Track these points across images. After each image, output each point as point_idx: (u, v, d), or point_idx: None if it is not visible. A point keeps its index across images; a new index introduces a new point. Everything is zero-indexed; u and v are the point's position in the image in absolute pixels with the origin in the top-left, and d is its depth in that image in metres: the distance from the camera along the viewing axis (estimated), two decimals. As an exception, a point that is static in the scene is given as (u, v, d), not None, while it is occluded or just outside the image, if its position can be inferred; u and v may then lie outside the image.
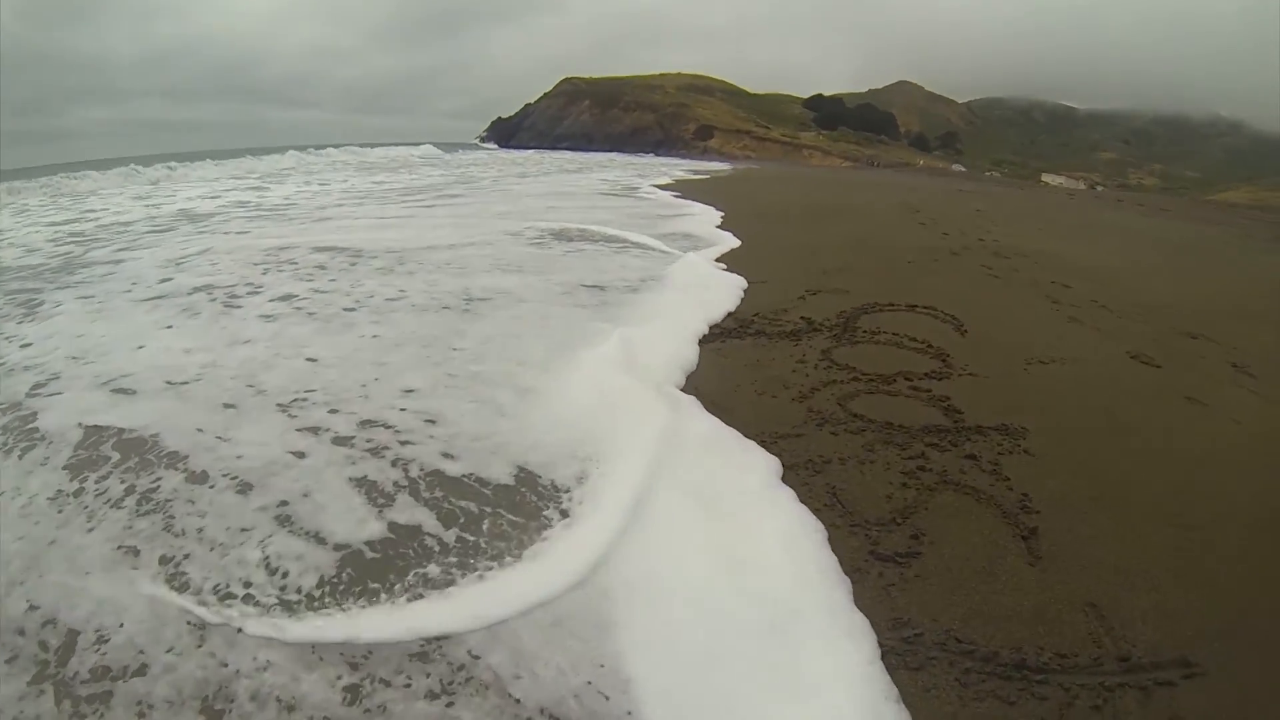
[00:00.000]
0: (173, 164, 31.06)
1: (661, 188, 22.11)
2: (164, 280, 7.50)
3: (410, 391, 4.30)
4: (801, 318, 6.04)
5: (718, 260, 8.59)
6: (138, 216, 13.87)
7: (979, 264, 8.92)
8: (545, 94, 74.28)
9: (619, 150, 57.26)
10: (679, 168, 37.19)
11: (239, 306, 6.34)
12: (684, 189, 21.42)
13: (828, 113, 75.56)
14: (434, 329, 5.58)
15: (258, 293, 6.78)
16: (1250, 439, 4.24)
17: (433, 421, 3.90)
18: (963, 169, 60.97)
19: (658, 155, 53.44)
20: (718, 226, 11.85)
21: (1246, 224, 24.18)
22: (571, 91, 73.08)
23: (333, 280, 7.18)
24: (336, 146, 50.55)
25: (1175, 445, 4.05)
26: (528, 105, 76.26)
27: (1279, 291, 9.64)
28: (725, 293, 6.83)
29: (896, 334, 5.74)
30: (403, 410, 4.04)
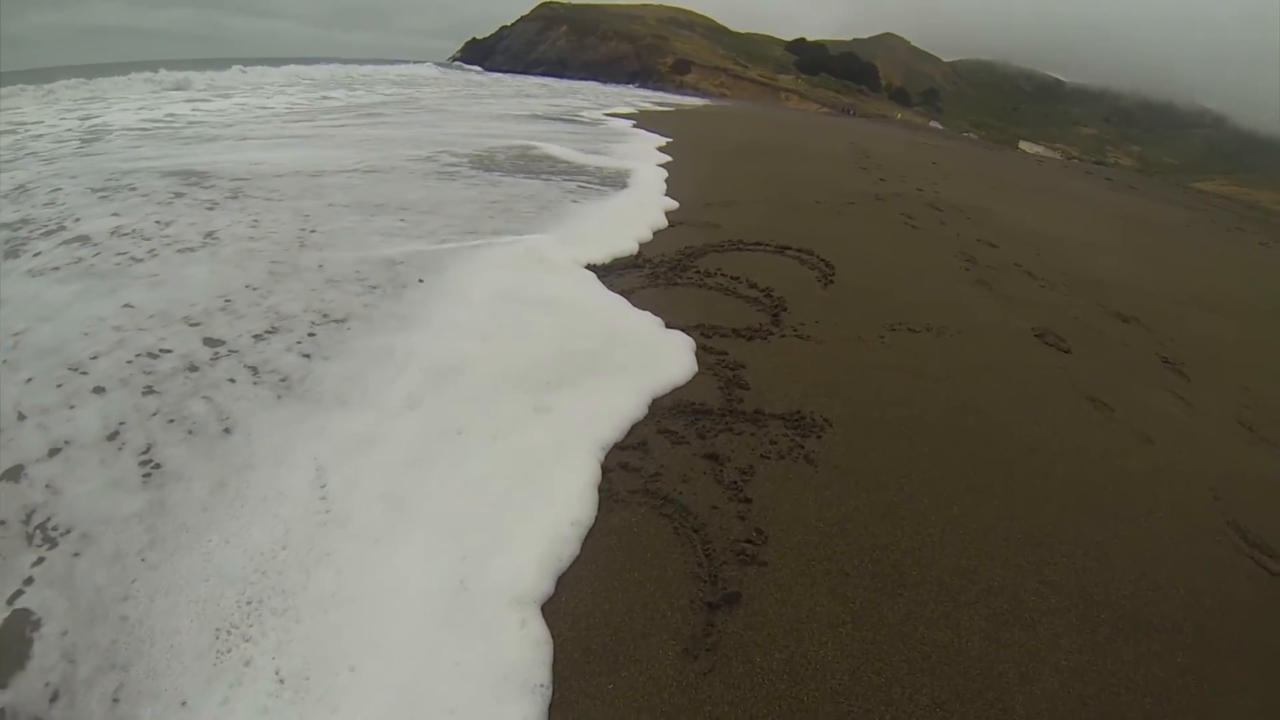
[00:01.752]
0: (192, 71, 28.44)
1: (620, 116, 21.03)
2: None
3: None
4: (635, 254, 5.56)
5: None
6: (46, 132, 12.37)
7: (900, 212, 8.34)
8: (522, 17, 69.81)
9: (594, 79, 54.25)
10: (649, 100, 35.13)
11: (22, 253, 5.29)
12: (644, 119, 20.35)
13: (809, 58, 72.75)
14: (204, 298, 4.36)
15: (58, 232, 5.72)
16: (1155, 471, 3.31)
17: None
18: (940, 126, 59.72)
19: (633, 86, 50.62)
20: (659, 149, 12.30)
21: (1214, 211, 23.40)
22: (549, 16, 68.79)
23: (148, 214, 6.16)
24: (327, 62, 46.74)
25: (1047, 471, 3.19)
26: (503, 28, 71.77)
27: (1241, 281, 8.72)
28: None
29: (737, 278, 5.17)
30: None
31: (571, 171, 9.21)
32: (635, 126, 17.15)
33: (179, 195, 6.77)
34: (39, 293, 4.53)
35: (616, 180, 8.85)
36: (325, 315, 4.13)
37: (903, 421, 3.45)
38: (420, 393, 3.36)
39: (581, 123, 17.34)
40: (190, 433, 3.06)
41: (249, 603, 2.25)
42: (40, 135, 11.64)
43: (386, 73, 42.20)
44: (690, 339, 4.10)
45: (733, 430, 3.26)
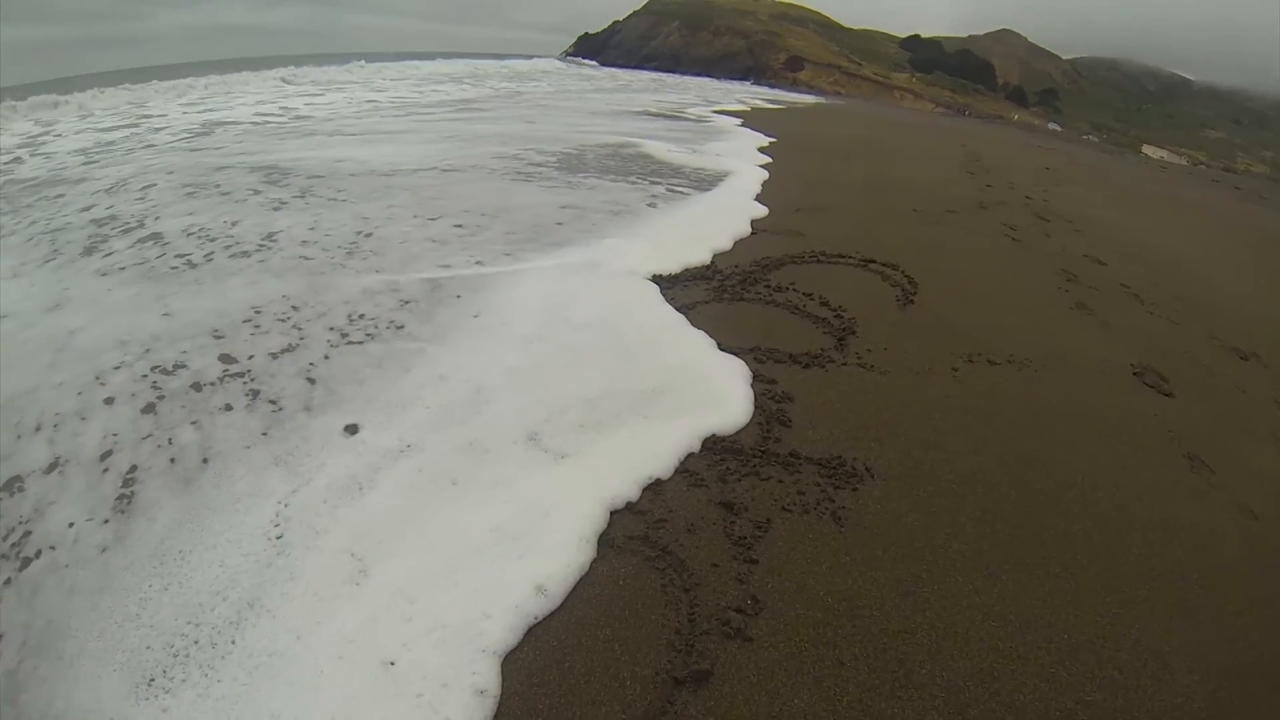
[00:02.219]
0: (290, 67, 30.59)
1: (729, 113, 20.29)
2: (86, 208, 6.94)
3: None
4: (708, 264, 5.25)
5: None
6: (166, 126, 13.42)
7: (1002, 223, 7.66)
8: (634, 12, 70.12)
9: (707, 75, 53.44)
10: (760, 97, 34.03)
11: (98, 251, 5.53)
12: (752, 117, 19.63)
13: (924, 56, 68.88)
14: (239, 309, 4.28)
15: (135, 230, 5.97)
16: (1253, 559, 2.75)
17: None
18: (1058, 128, 55.45)
19: (746, 83, 49.48)
20: (761, 149, 11.89)
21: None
22: (661, 11, 68.60)
23: (221, 214, 6.34)
24: (446, 57, 48.94)
25: (1117, 550, 2.68)
26: (615, 22, 72.35)
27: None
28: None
29: (809, 294, 4.77)
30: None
31: (662, 172, 8.81)
32: (742, 125, 16.47)
33: (255, 193, 6.97)
34: (99, 295, 4.69)
35: (707, 182, 8.39)
36: (345, 336, 3.92)
37: (956, 475, 2.96)
38: (421, 433, 3.04)
39: (686, 120, 16.85)
40: (172, 461, 2.93)
41: (175, 655, 2.09)
42: (160, 129, 12.69)
43: (504, 67, 43.27)
44: (744, 368, 3.69)
45: (759, 475, 2.90)
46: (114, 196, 7.19)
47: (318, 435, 3.00)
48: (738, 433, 3.14)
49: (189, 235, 5.67)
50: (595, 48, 71.10)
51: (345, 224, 5.88)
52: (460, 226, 5.89)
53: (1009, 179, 11.64)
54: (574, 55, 72.98)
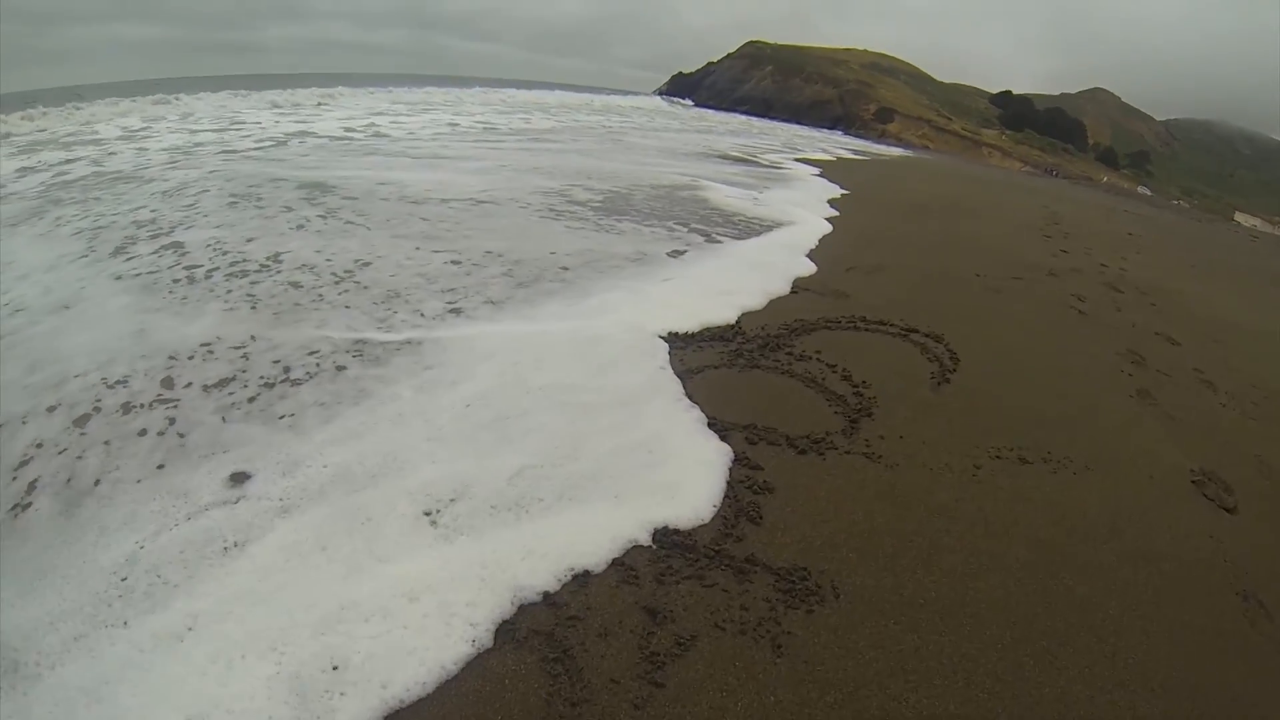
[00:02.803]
0: (389, 87, 32.19)
1: (808, 162, 20.00)
2: (137, 208, 7.30)
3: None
4: (733, 323, 4.91)
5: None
6: (254, 133, 14.24)
7: (1071, 292, 7.11)
8: (728, 54, 71.32)
9: (797, 121, 53.34)
10: (846, 147, 33.60)
11: (124, 254, 5.81)
12: (832, 168, 19.21)
13: (1014, 112, 66.90)
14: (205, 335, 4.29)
15: (163, 236, 6.24)
16: None
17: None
18: (1148, 192, 52.72)
19: (835, 132, 49.08)
20: (832, 200, 11.56)
21: None
22: (755, 55, 69.45)
23: (247, 229, 6.51)
24: (547, 87, 50.79)
25: None
26: (710, 64, 73.73)
27: None
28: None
29: (833, 365, 4.37)
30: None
31: (710, 219, 8.49)
32: (819, 175, 16.08)
33: (288, 209, 7.14)
34: (103, 300, 4.83)
35: (756, 233, 8.03)
36: (286, 375, 3.76)
37: (941, 606, 2.47)
38: (308, 493, 2.80)
39: (759, 165, 16.63)
40: (69, 481, 2.88)
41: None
42: (246, 136, 13.52)
43: (597, 100, 44.30)
44: (727, 450, 3.28)
45: (703, 579, 2.50)
46: (166, 200, 7.55)
47: (204, 479, 2.84)
48: (696, 527, 2.74)
49: (206, 247, 5.80)
50: (689, 87, 72.58)
51: (350, 250, 5.86)
52: (457, 263, 5.74)
53: (1086, 244, 10.93)
54: (668, 93, 74.55)
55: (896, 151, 39.72)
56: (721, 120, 43.30)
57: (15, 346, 4.12)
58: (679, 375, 3.98)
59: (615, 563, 2.52)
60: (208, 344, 4.05)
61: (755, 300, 5.41)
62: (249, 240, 6.01)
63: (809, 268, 6.57)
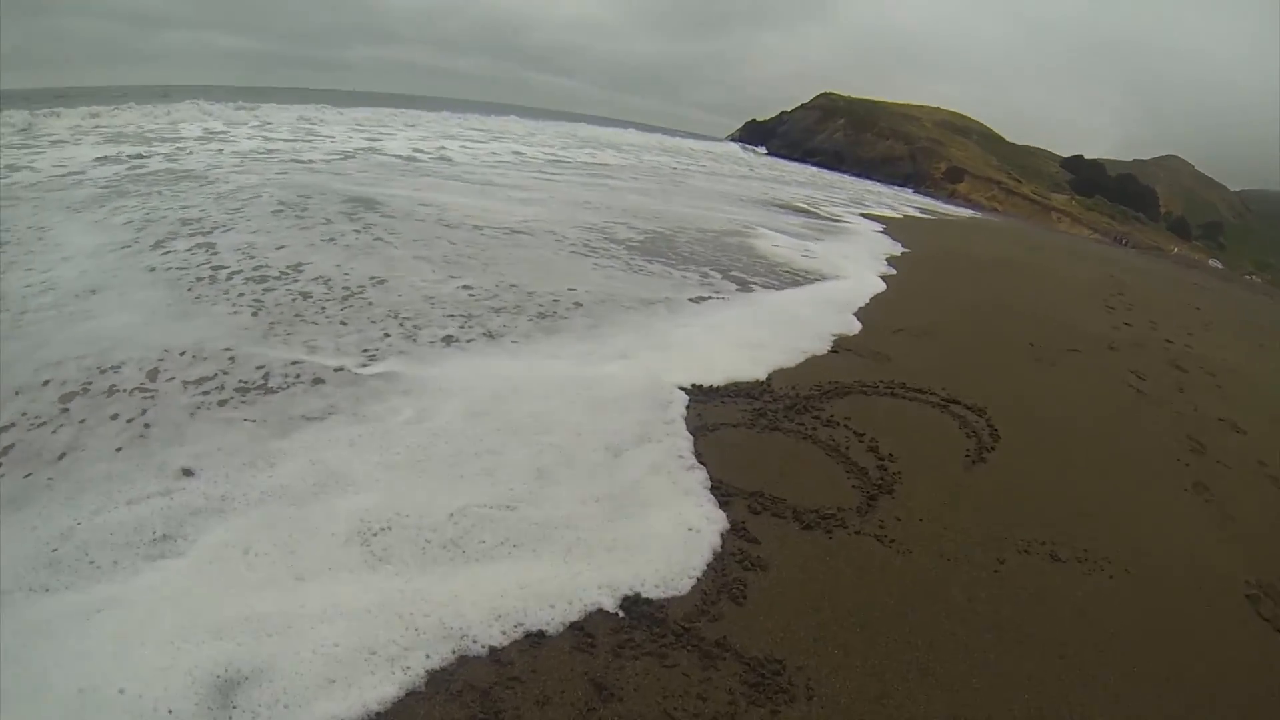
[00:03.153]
0: (467, 113, 33.52)
1: (872, 218, 19.68)
2: (188, 207, 7.58)
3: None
4: (762, 380, 4.64)
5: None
6: (325, 145, 14.83)
7: (1130, 369, 6.69)
8: (802, 105, 71.58)
9: (867, 176, 52.79)
10: (913, 204, 33.03)
11: (162, 248, 6.04)
12: (896, 225, 18.95)
13: (1085, 177, 64.93)
14: (188, 344, 4.24)
15: (201, 236, 6.45)
16: None
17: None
18: (1219, 265, 50.15)
19: (904, 189, 48.43)
20: (890, 258, 11.28)
21: None
22: (828, 107, 69.55)
23: (280, 236, 6.70)
24: (623, 125, 51.55)
25: None
26: (783, 113, 74.08)
27: None
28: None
29: (860, 434, 4.06)
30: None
31: (754, 268, 8.18)
32: (882, 231, 15.73)
33: (327, 222, 7.28)
34: (127, 291, 4.97)
35: (799, 284, 7.83)
36: (264, 382, 3.71)
37: None
38: (247, 500, 2.72)
39: (819, 217, 16.35)
40: (39, 452, 3.00)
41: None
42: (316, 148, 14.08)
43: (669, 141, 44.41)
44: (722, 517, 3.00)
45: (664, 658, 2.22)
46: (219, 202, 7.81)
47: (153, 470, 2.86)
48: (670, 599, 2.46)
49: (236, 251, 5.93)
50: (761, 135, 73.10)
51: (369, 269, 5.88)
52: (470, 290, 5.66)
53: (1151, 317, 10.38)
54: (741, 140, 75.11)
55: (964, 212, 38.88)
56: (791, 170, 43.17)
57: (36, 323, 4.30)
58: (692, 431, 3.72)
59: (573, 625, 2.29)
60: (200, 344, 4.08)
61: (789, 358, 5.11)
62: (279, 248, 6.11)
63: (853, 326, 6.28)
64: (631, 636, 2.27)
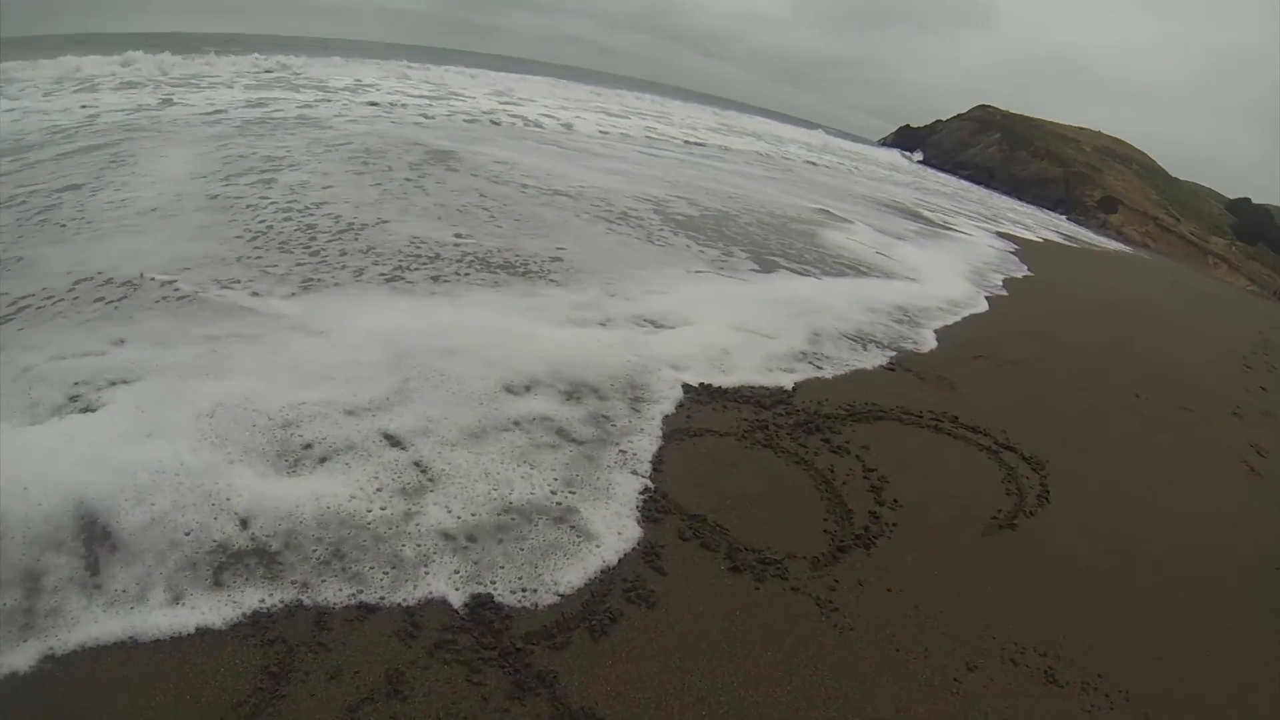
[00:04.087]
0: (620, 89, 33.77)
1: (1004, 236, 17.16)
2: (281, 147, 7.94)
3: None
4: (783, 389, 3.91)
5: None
6: (452, 109, 15.02)
7: (1250, 442, 5.25)
8: (958, 115, 65.68)
9: (1016, 196, 47.45)
10: (1058, 230, 29.04)
11: (232, 181, 6.30)
12: (1030, 249, 16.48)
13: (1250, 222, 54.55)
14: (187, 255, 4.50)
15: (269, 173, 6.76)
16: None
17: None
18: None
19: (1051, 214, 43.37)
20: (1006, 280, 9.69)
21: None
22: (984, 119, 63.30)
23: (336, 175, 6.92)
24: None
25: None
26: (938, 121, 68.22)
27: None
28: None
29: (871, 469, 3.28)
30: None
31: (805, 256, 7.38)
32: (1011, 252, 13.69)
33: (388, 170, 7.34)
34: (185, 211, 5.34)
35: (844, 275, 6.97)
36: (223, 291, 3.93)
37: None
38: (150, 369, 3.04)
39: (931, 224, 14.52)
40: (38, 310, 3.49)
41: None
42: (444, 109, 14.20)
43: (821, 140, 40.61)
44: (637, 537, 2.46)
45: (475, 673, 1.87)
46: (310, 146, 8.02)
47: (100, 337, 3.24)
48: (522, 610, 2.02)
49: (286, 188, 6.13)
50: (914, 142, 68.01)
51: (384, 212, 5.84)
52: (459, 240, 5.44)
53: None
54: (893, 145, 70.35)
55: (1112, 245, 34.04)
56: (936, 179, 39.37)
57: (93, 230, 4.77)
58: (665, 433, 3.16)
59: (406, 610, 1.99)
60: (192, 259, 4.32)
61: (824, 369, 4.32)
62: (325, 188, 6.26)
63: (927, 343, 5.37)
64: (456, 639, 1.92)
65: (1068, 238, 26.76)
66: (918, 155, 58.74)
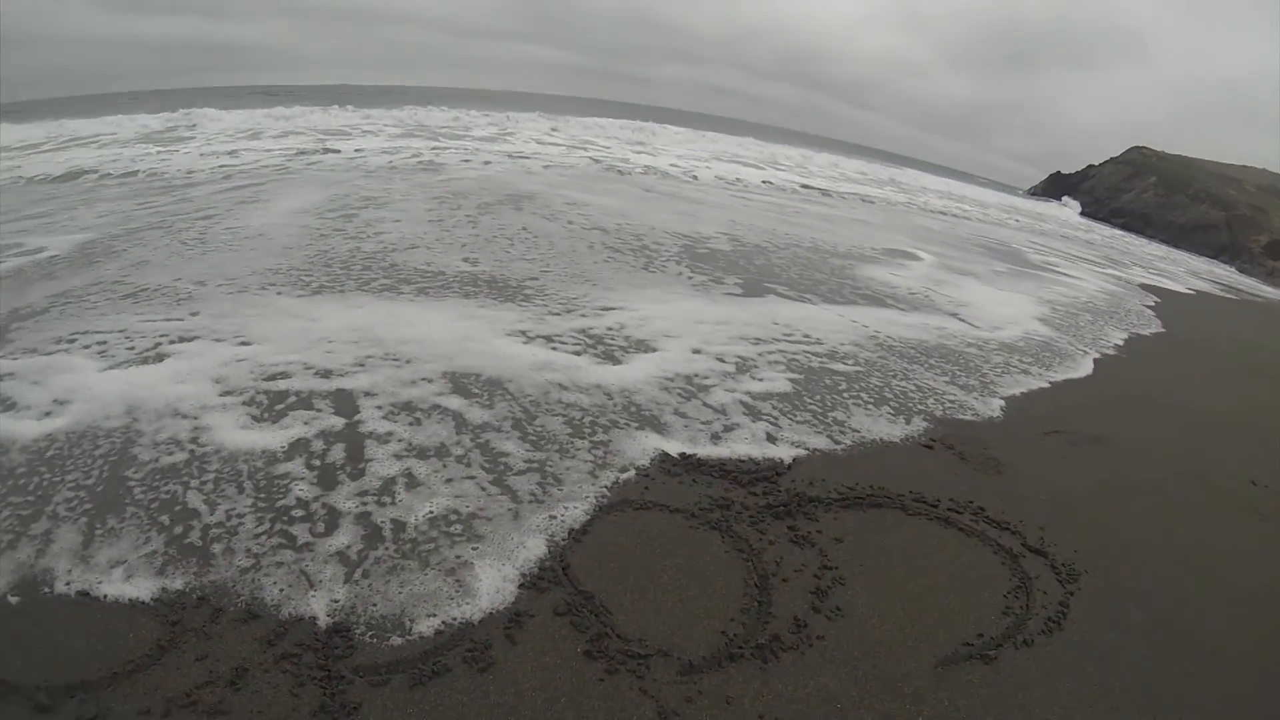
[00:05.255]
0: (769, 140, 32.76)
1: (1148, 288, 14.30)
2: (383, 189, 8.70)
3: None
4: (776, 463, 3.33)
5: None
6: (576, 159, 15.28)
7: None
8: (1111, 159, 58.39)
9: (1172, 244, 40.73)
10: (1216, 280, 24.26)
11: (320, 214, 7.46)
12: (1174, 301, 13.58)
13: None
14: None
15: (356, 208, 7.47)
16: None
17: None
18: None
19: (1213, 262, 36.85)
20: (1126, 339, 7.86)
21: None
22: (1139, 162, 55.36)
23: (396, 217, 7.41)
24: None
25: None
26: (1090, 166, 60.87)
27: None
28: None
29: (830, 569, 2.66)
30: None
31: (827, 289, 6.70)
32: (1149, 307, 11.38)
33: (457, 208, 7.81)
34: (275, 237, 6.31)
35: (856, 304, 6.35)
36: (287, 285, 5.10)
37: None
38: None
39: (1027, 266, 12.34)
40: (115, 284, 4.86)
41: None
42: (563, 160, 14.24)
43: (961, 190, 35.51)
44: (507, 600, 2.25)
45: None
46: (410, 189, 8.65)
47: (183, 309, 4.44)
48: (358, 645, 1.99)
49: (363, 221, 6.89)
50: (1065, 189, 61.08)
51: (425, 239, 6.49)
52: (469, 264, 5.96)
53: None
54: (1041, 194, 63.07)
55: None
56: (1082, 229, 33.93)
57: (206, 246, 5.94)
58: (611, 502, 2.81)
59: (281, 622, 2.06)
60: (266, 269, 5.41)
61: (817, 443, 3.56)
62: (394, 221, 6.99)
63: (989, 412, 4.40)
64: (302, 655, 1.95)
65: (1226, 288, 22.54)
66: (1075, 206, 51.01)
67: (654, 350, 4.55)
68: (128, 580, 2.15)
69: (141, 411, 3.16)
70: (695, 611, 2.25)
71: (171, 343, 3.90)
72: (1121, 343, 7.58)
